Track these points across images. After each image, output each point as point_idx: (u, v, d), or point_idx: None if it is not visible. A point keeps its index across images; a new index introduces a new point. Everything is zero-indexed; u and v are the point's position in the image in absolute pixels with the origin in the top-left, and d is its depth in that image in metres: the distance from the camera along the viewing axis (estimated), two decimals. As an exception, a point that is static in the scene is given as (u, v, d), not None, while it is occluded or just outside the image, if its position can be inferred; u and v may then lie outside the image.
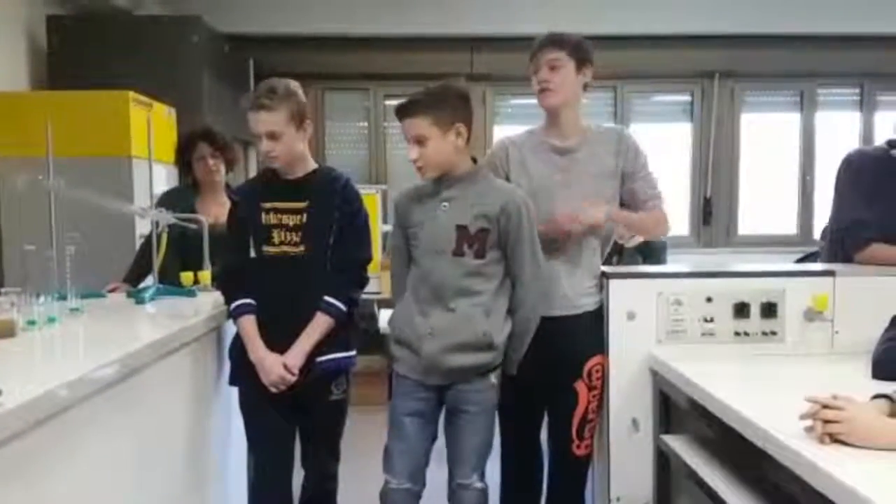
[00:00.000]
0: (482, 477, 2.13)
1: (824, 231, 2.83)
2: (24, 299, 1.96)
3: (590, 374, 2.28)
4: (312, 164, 2.31)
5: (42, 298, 2.01)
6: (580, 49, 2.26)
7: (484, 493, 2.12)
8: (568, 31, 2.28)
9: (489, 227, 2.07)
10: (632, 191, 2.32)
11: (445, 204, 2.10)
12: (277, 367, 2.16)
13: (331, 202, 2.23)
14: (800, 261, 3.08)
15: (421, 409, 2.12)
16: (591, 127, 2.36)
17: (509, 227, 2.08)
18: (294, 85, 2.23)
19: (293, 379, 2.18)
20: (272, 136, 2.16)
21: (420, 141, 2.05)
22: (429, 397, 2.12)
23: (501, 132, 5.67)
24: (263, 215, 2.24)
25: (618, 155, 2.30)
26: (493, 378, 2.13)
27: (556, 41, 2.25)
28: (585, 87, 2.31)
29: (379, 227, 4.83)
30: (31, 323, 1.96)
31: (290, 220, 2.23)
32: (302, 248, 2.22)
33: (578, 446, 2.30)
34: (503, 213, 2.07)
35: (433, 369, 2.08)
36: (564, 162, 2.29)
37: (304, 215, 2.22)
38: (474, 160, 2.16)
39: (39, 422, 1.35)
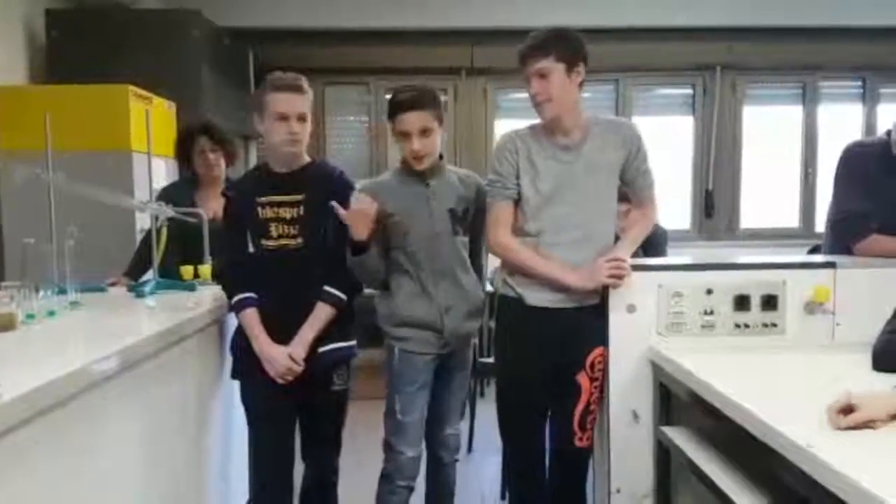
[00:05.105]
0: None
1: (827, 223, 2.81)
2: (24, 293, 1.96)
3: (592, 366, 2.28)
4: (307, 158, 2.33)
5: (41, 292, 2.01)
6: (567, 48, 2.16)
7: None
8: (568, 24, 2.23)
9: (469, 207, 2.36)
10: (631, 182, 2.32)
11: (431, 192, 2.30)
12: (283, 359, 2.17)
13: (325, 194, 2.23)
14: (809, 253, 3.06)
15: (428, 380, 2.35)
16: (594, 119, 2.30)
17: (481, 204, 2.34)
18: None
19: (300, 369, 2.19)
20: (303, 118, 2.21)
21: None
22: (435, 366, 2.35)
23: (502, 126, 5.66)
24: (260, 210, 2.24)
25: (623, 147, 2.27)
26: None
27: (540, 47, 2.16)
28: (582, 83, 2.22)
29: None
30: (31, 316, 1.96)
31: (287, 213, 2.23)
32: (300, 240, 2.23)
33: (581, 438, 2.31)
34: (479, 194, 2.36)
35: (453, 339, 2.33)
36: (569, 158, 2.25)
37: (301, 208, 2.23)
38: (441, 156, 2.34)
39: (38, 414, 1.35)
